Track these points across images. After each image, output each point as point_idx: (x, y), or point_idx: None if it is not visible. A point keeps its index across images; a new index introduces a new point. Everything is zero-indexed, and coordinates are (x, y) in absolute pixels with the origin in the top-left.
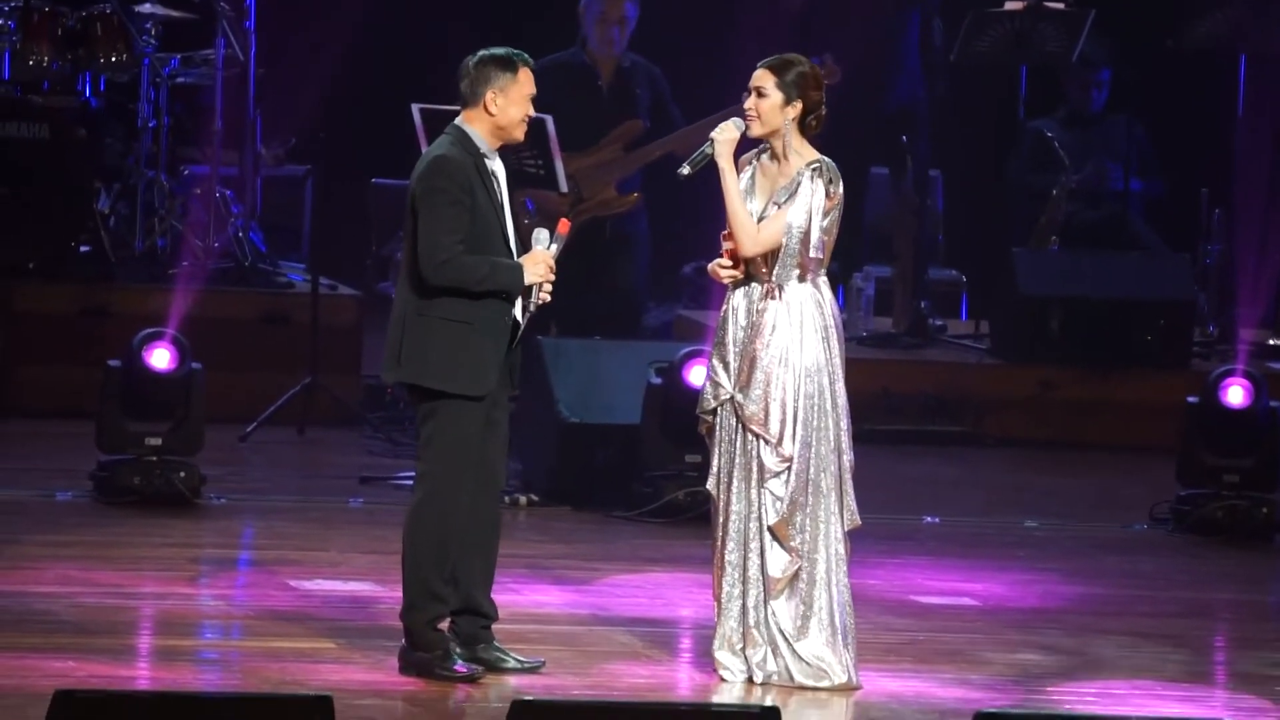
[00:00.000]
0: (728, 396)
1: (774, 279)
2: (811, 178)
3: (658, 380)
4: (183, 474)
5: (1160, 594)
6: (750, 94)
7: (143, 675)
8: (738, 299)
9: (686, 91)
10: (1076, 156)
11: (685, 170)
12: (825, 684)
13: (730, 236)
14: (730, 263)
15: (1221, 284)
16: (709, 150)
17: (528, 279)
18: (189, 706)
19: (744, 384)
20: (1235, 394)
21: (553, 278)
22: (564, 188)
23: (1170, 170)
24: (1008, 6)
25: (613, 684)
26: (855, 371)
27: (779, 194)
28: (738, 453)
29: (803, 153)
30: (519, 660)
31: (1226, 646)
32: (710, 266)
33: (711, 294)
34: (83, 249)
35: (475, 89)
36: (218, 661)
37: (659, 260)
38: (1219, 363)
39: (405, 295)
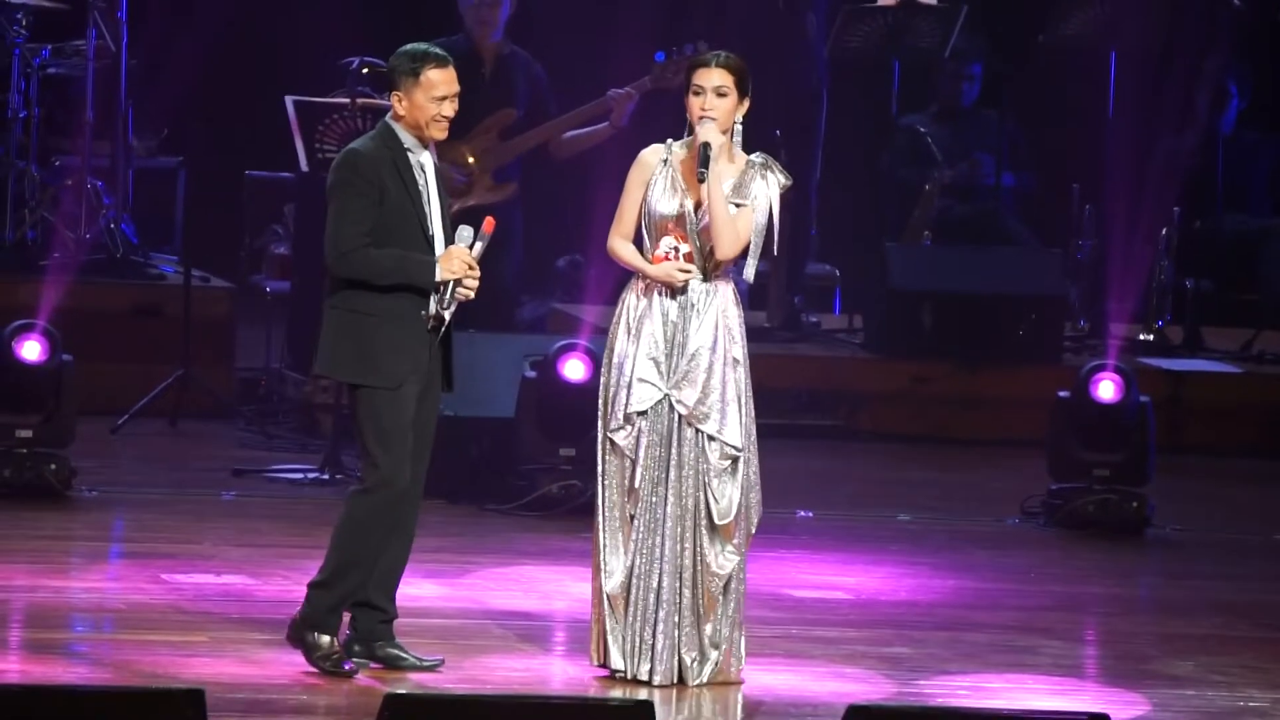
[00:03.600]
0: (660, 396)
1: (718, 274)
2: (763, 173)
3: (532, 374)
4: (53, 466)
5: (1031, 588)
6: (704, 93)
7: (13, 669)
8: (661, 297)
9: (563, 82)
10: (949, 151)
11: (705, 173)
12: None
13: (684, 238)
14: (691, 266)
15: (1093, 279)
16: (711, 153)
17: (440, 275)
18: (60, 700)
19: (683, 381)
20: (1106, 389)
21: (475, 274)
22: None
23: (1042, 166)
24: (880, 2)
25: (486, 678)
26: None
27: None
28: (673, 453)
29: (737, 149)
30: (417, 659)
31: (1098, 640)
32: (665, 270)
33: (586, 288)
34: None
35: (389, 87)
36: (89, 655)
37: (533, 254)
38: (1090, 357)
39: (325, 288)
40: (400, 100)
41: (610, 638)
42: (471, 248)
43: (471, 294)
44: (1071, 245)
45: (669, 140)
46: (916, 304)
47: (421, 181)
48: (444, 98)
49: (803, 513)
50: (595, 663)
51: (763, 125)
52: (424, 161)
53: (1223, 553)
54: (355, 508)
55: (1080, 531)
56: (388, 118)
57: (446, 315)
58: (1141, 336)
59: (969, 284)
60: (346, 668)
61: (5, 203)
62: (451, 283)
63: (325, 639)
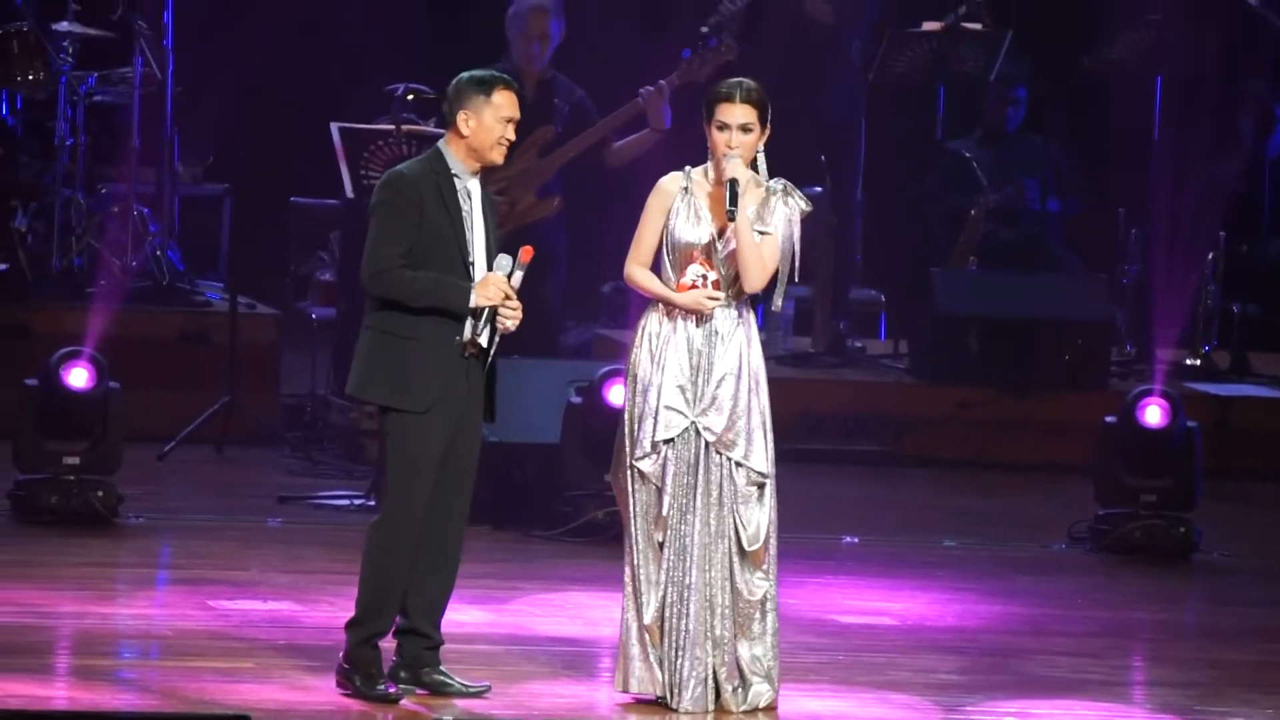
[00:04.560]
0: (688, 423)
1: (743, 300)
2: (784, 199)
3: (577, 399)
4: (100, 493)
5: (1078, 613)
6: (729, 129)
7: (60, 695)
8: (686, 324)
9: (608, 106)
10: (994, 176)
11: (735, 211)
12: (764, 702)
13: (711, 265)
14: (719, 293)
15: (1139, 304)
16: (739, 189)
17: (476, 301)
18: None
19: (710, 408)
20: (1153, 414)
21: (514, 305)
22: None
23: (1087, 190)
24: (925, 27)
25: (532, 704)
26: (774, 391)
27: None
28: (699, 480)
29: (757, 175)
30: (464, 685)
31: (1144, 665)
32: (694, 298)
33: (631, 313)
34: (0, 267)
35: (452, 108)
36: (136, 681)
37: (578, 279)
38: (1136, 382)
39: (364, 309)
40: (467, 120)
41: (641, 665)
42: (510, 276)
43: (512, 325)
44: (1117, 270)
45: (687, 168)
46: (962, 329)
47: (466, 207)
48: (510, 120)
49: (848, 538)
50: (617, 689)
51: (801, 150)
52: (471, 187)
53: (1270, 578)
54: (373, 540)
55: (1127, 557)
56: (441, 142)
57: (484, 343)
58: (1188, 361)
59: (1014, 309)
60: (391, 691)
61: (52, 230)
62: (487, 310)
63: (360, 672)
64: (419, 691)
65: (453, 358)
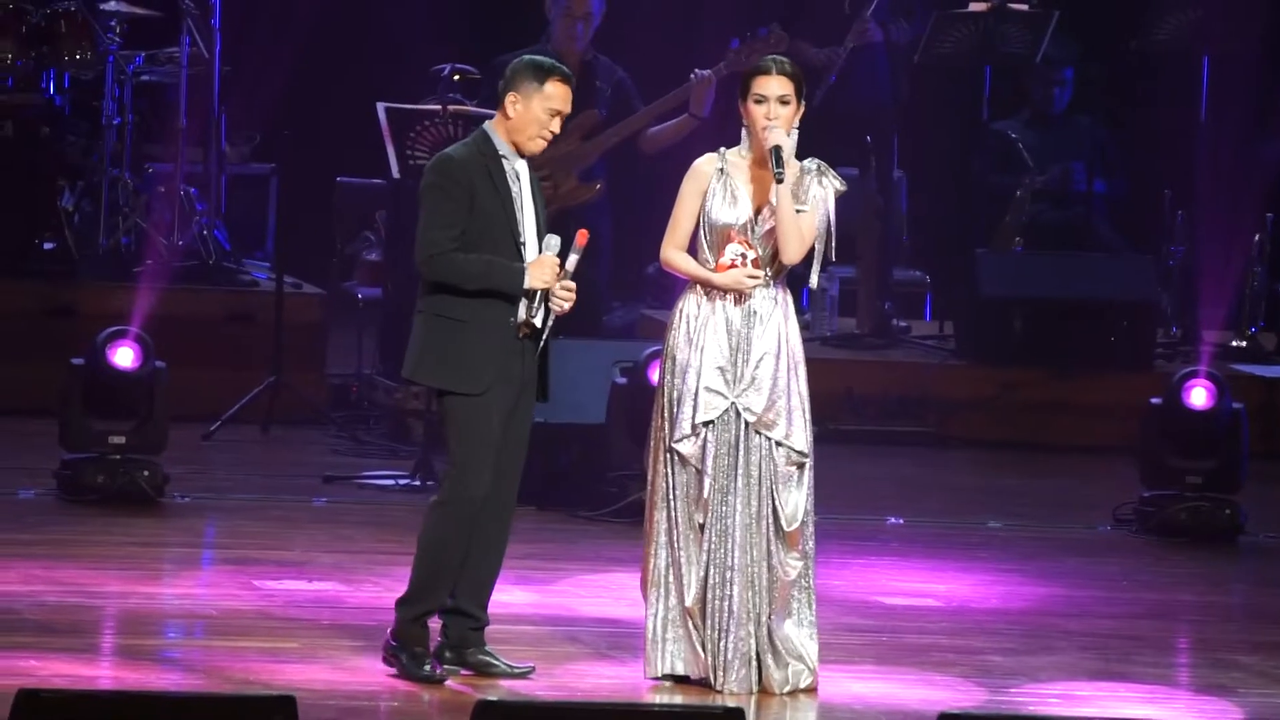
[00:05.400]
0: (728, 404)
1: (781, 280)
2: (819, 178)
3: (622, 380)
4: (146, 473)
5: (1123, 595)
6: (767, 101)
7: (106, 675)
8: (725, 304)
9: (649, 84)
10: (1040, 157)
11: (782, 173)
12: (804, 683)
13: (750, 245)
14: (759, 271)
15: (1185, 285)
16: (783, 155)
17: (530, 282)
18: (153, 706)
19: (749, 388)
20: (1198, 395)
21: (569, 287)
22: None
23: (1134, 171)
24: (972, 7)
25: (577, 685)
26: (819, 372)
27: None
28: (740, 460)
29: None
30: (508, 665)
31: (1190, 648)
32: (734, 277)
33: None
34: (46, 246)
35: (504, 89)
36: (181, 661)
37: (622, 260)
38: (1182, 364)
39: (418, 291)
40: (515, 103)
41: (685, 646)
42: (563, 258)
43: (566, 307)
44: (1163, 251)
45: (721, 149)
46: (1007, 310)
47: (516, 189)
48: (556, 113)
49: (893, 519)
50: (651, 675)
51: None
52: (519, 169)
53: None
54: (433, 520)
55: (1172, 539)
56: (487, 124)
57: (538, 324)
58: (1234, 343)
59: (1060, 290)
60: (438, 671)
61: (99, 209)
62: (541, 292)
63: (408, 650)
64: (463, 672)
65: (508, 339)
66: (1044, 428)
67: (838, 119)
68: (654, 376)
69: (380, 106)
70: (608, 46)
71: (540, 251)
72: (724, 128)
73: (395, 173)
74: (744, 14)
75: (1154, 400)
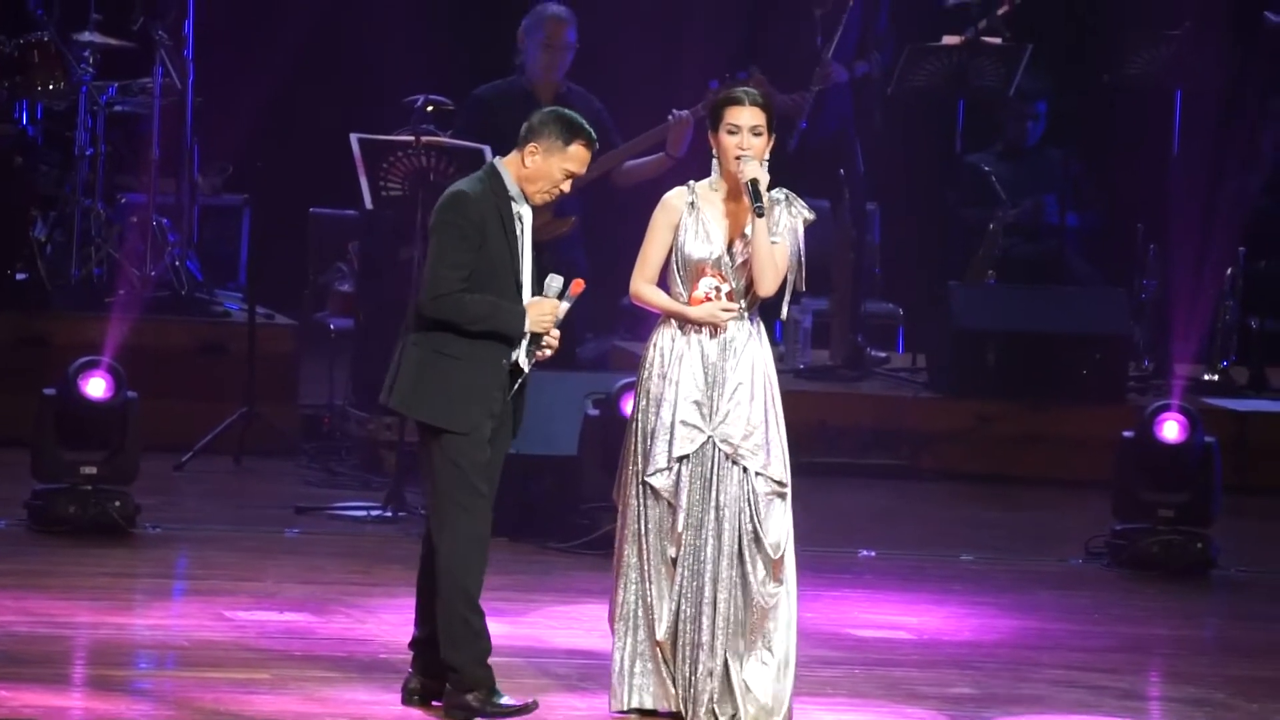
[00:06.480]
0: (705, 438)
1: (755, 312)
2: (788, 208)
3: (595, 412)
4: (118, 503)
5: (1096, 628)
6: (739, 132)
7: (77, 705)
8: (699, 337)
9: (625, 117)
10: (1013, 190)
11: (763, 207)
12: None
13: (724, 278)
14: (734, 305)
15: (1157, 319)
16: (761, 188)
17: (530, 325)
18: None
19: (725, 420)
20: (1170, 429)
21: (555, 334)
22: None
23: (1106, 205)
24: (945, 41)
25: (548, 717)
26: (792, 404)
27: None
28: (714, 493)
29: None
30: None
31: (1162, 681)
32: (710, 310)
33: (647, 326)
34: (18, 277)
35: (528, 135)
36: (152, 692)
37: (595, 292)
38: (1154, 397)
39: (410, 320)
40: (534, 154)
41: (654, 680)
42: (561, 298)
43: (549, 353)
44: (1136, 285)
45: (690, 182)
46: (980, 343)
47: (518, 231)
48: (572, 175)
49: (865, 552)
50: (616, 709)
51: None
52: (523, 212)
53: None
54: (446, 565)
55: (1144, 572)
56: (498, 161)
57: (526, 366)
58: (1206, 377)
59: (1033, 323)
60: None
61: (71, 240)
62: (537, 334)
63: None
64: (434, 703)
65: (497, 377)
66: (1017, 460)
67: (811, 155)
68: (626, 408)
69: (354, 137)
70: (585, 82)
71: (535, 293)
72: (703, 166)
73: (368, 204)
74: (724, 55)
75: (1126, 433)
